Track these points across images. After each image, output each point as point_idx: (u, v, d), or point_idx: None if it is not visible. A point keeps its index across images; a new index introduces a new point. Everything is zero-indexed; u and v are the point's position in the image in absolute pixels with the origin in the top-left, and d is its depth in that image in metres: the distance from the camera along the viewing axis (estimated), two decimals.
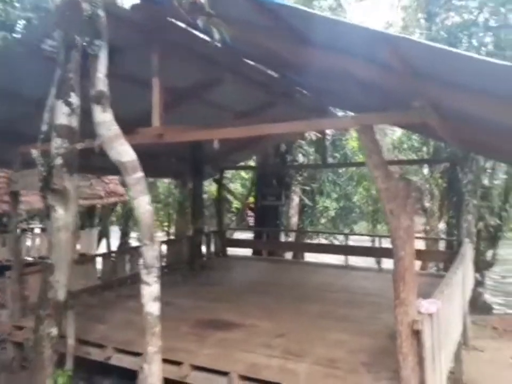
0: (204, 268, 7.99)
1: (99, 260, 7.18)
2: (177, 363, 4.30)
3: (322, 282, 7.38)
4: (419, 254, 8.60)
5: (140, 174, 2.87)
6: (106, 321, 5.41)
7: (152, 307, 2.80)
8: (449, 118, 3.94)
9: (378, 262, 8.21)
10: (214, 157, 8.47)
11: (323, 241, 13.77)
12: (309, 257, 12.89)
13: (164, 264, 8.05)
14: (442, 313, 3.99)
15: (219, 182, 9.11)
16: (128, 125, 5.02)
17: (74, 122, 3.25)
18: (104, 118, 2.80)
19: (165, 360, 4.27)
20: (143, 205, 2.80)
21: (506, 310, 12.72)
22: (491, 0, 10.86)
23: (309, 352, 4.35)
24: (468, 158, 7.95)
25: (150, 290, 2.77)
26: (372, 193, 15.61)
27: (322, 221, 14.91)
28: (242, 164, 12.10)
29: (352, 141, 15.78)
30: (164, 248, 8.06)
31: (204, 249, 8.73)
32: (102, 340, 4.86)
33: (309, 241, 13.39)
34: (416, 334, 3.35)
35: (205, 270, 7.95)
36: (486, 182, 12.39)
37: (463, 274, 5.72)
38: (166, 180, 16.24)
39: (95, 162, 4.63)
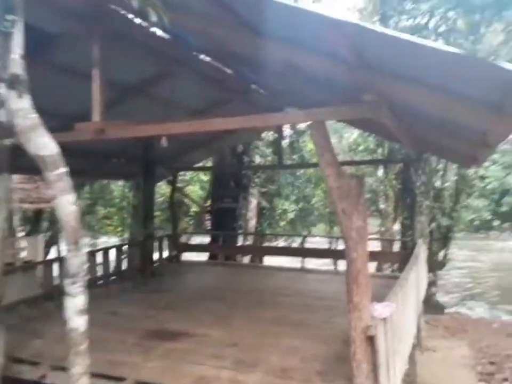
0: (155, 275, 7.60)
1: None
2: (120, 379, 3.94)
3: (277, 286, 7.18)
4: (373, 255, 8.62)
5: (62, 169, 2.53)
6: (43, 335, 4.94)
7: (77, 322, 2.46)
8: (401, 113, 3.84)
9: (335, 264, 8.11)
10: (167, 157, 8.12)
11: (282, 244, 13.67)
12: (268, 260, 12.74)
13: (112, 271, 7.63)
14: (397, 316, 3.87)
15: (173, 184, 8.74)
16: (69, 120, 4.65)
17: None
18: (20, 105, 2.44)
19: (106, 376, 3.93)
20: (66, 205, 2.47)
21: (458, 308, 13.09)
22: (441, 4, 11.16)
23: (262, 361, 4.11)
24: (421, 159, 8.01)
25: (75, 302, 2.43)
26: (329, 195, 15.68)
27: (282, 223, 14.82)
28: (199, 165, 11.78)
29: (310, 143, 15.81)
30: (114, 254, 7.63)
31: (156, 254, 8.33)
32: (37, 357, 4.42)
33: (268, 244, 13.24)
34: (370, 340, 3.19)
35: (156, 277, 7.55)
36: (438, 183, 12.71)
37: (417, 275, 5.68)
38: (120, 183, 15.62)
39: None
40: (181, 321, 5.29)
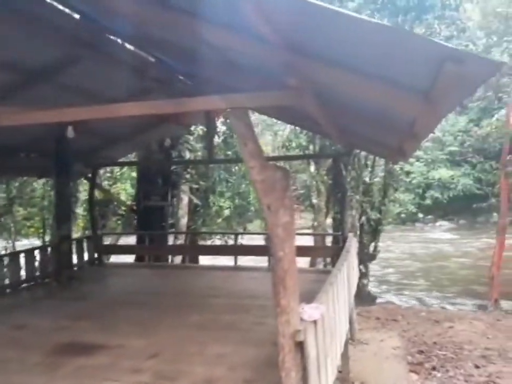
0: (73, 280, 6.90)
1: None
2: None
3: (208, 287, 6.80)
4: (306, 250, 8.57)
5: None
6: None
7: None
8: (327, 101, 3.61)
9: (269, 261, 7.86)
10: (85, 152, 7.43)
11: (218, 242, 13.27)
12: (204, 260, 12.37)
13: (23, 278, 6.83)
14: (328, 315, 3.66)
15: (92, 181, 8.02)
16: None
17: None
18: None
19: None
20: None
21: (389, 298, 13.51)
22: (368, 4, 11.35)
23: (184, 373, 3.73)
24: (350, 154, 8.00)
25: None
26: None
27: (218, 221, 14.43)
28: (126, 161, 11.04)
29: None
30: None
31: (75, 258, 7.61)
32: None
33: (203, 243, 12.80)
34: (300, 346, 2.92)
35: (73, 282, 6.86)
36: (367, 178, 12.99)
37: (348, 269, 5.57)
38: (43, 180, 14.36)
39: None
40: (97, 331, 4.75)
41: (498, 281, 11.32)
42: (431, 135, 29.47)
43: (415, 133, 3.61)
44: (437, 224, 29.78)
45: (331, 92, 3.26)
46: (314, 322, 3.11)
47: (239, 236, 11.74)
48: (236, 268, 8.14)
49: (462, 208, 29.25)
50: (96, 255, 8.01)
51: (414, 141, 4.13)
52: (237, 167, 14.15)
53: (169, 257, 10.09)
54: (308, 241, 13.11)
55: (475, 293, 12.89)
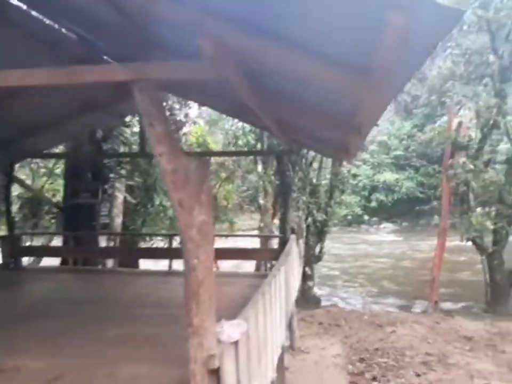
0: None
1: None
2: None
3: (137, 294, 6.12)
4: (246, 254, 8.08)
5: None
6: None
7: None
8: (261, 87, 3.12)
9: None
10: (1, 143, 6.51)
11: (161, 244, 12.47)
12: (149, 264, 11.61)
13: None
14: (256, 332, 3.16)
15: (9, 175, 7.07)
16: None
17: None
18: None
19: None
20: None
21: (333, 300, 13.32)
22: None
23: None
24: (293, 152, 7.59)
25: None
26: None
27: (166, 221, 13.62)
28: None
29: (191, 136, 14.86)
30: None
31: None
32: None
33: (146, 245, 11.99)
34: (215, 374, 2.39)
35: None
36: (314, 180, 12.75)
37: (287, 274, 5.14)
38: None
39: None
40: None
41: (438, 284, 11.42)
42: (377, 138, 30.11)
43: (358, 124, 3.20)
44: (382, 226, 30.43)
45: (261, 71, 2.76)
46: (235, 343, 2.60)
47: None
48: (173, 273, 7.47)
49: (405, 210, 30.10)
50: (12, 258, 7.07)
51: (358, 136, 3.73)
52: None
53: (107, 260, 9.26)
54: (256, 243, 12.70)
55: (416, 294, 12.98)
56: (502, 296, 10.54)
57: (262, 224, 12.13)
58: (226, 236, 10.09)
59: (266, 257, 8.01)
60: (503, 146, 12.28)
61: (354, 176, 29.73)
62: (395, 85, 2.21)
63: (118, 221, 9.89)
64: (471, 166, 10.59)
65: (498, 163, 12.10)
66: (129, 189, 11.69)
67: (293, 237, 6.68)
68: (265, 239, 11.78)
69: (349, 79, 2.31)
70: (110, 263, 9.23)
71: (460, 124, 12.09)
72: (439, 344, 7.24)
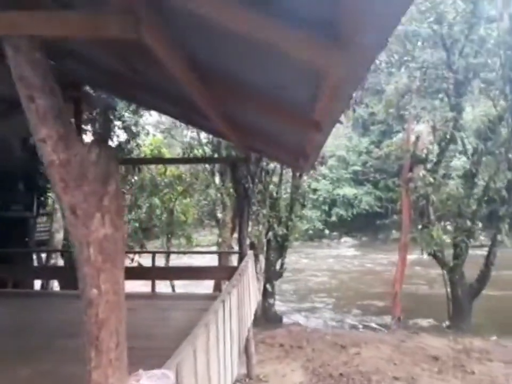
0: None
1: None
2: None
3: (70, 321, 5.16)
4: (198, 273, 7.26)
5: None
6: None
7: None
8: (191, 48, 2.44)
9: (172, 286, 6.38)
10: None
11: None
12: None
13: None
14: (195, 375, 2.43)
15: None
16: None
17: None
18: None
19: None
20: None
21: (296, 318, 12.67)
22: None
23: None
24: (251, 160, 6.96)
25: None
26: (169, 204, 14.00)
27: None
28: None
29: (146, 147, 13.92)
30: None
31: None
32: None
33: None
34: None
35: None
36: (274, 193, 12.19)
37: (241, 294, 4.43)
38: None
39: None
40: None
41: (400, 299, 11.03)
42: (336, 153, 30.15)
43: (319, 114, 2.58)
44: (342, 240, 30.29)
45: (198, 33, 2.09)
46: None
47: (137, 255, 10.17)
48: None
49: (364, 225, 30.13)
50: None
51: (318, 133, 3.12)
52: (134, 178, 12.50)
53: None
54: (216, 260, 11.88)
55: (379, 310, 12.56)
56: (464, 310, 10.24)
57: (220, 240, 11.36)
58: (177, 253, 9.23)
59: (220, 276, 7.16)
60: (458, 162, 12.25)
61: (315, 190, 29.54)
62: (367, 50, 1.61)
63: (59, 236, 8.82)
64: (431, 179, 10.36)
65: (456, 177, 12.00)
66: None
67: (250, 252, 5.98)
68: (225, 255, 11.02)
69: (313, 44, 1.68)
70: (55, 283, 8.14)
71: (417, 138, 11.96)
72: (407, 366, 6.71)
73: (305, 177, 14.48)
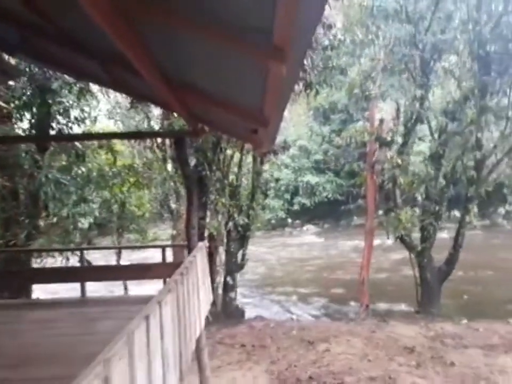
0: None
1: None
2: None
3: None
4: (142, 271, 6.15)
5: None
6: None
7: None
8: None
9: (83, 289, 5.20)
10: None
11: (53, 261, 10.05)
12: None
13: None
14: None
15: None
16: None
17: None
18: None
19: None
20: None
21: (259, 311, 11.81)
22: None
23: None
24: (197, 134, 5.87)
25: None
26: (120, 197, 12.67)
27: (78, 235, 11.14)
28: None
29: (103, 153, 12.32)
30: None
31: None
32: None
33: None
34: None
35: None
36: (234, 181, 11.20)
37: (186, 295, 3.40)
38: None
39: None
40: None
41: (368, 286, 10.37)
42: (298, 142, 29.40)
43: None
44: (304, 228, 29.75)
45: None
46: None
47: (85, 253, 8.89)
48: (41, 305, 5.36)
49: (326, 212, 29.72)
50: None
51: (278, 82, 2.12)
52: (81, 171, 11.04)
53: None
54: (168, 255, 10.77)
55: (346, 297, 11.89)
56: (433, 294, 9.69)
57: (174, 232, 10.24)
58: (110, 248, 8.11)
59: (166, 274, 5.86)
60: (424, 144, 11.71)
61: (277, 180, 28.79)
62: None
63: None
64: (399, 161, 9.68)
65: (423, 159, 11.41)
66: (13, 195, 9.25)
67: (201, 245, 4.93)
68: (180, 248, 9.92)
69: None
70: None
71: (381, 121, 11.30)
72: (382, 362, 5.94)
73: (267, 166, 13.62)
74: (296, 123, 28.75)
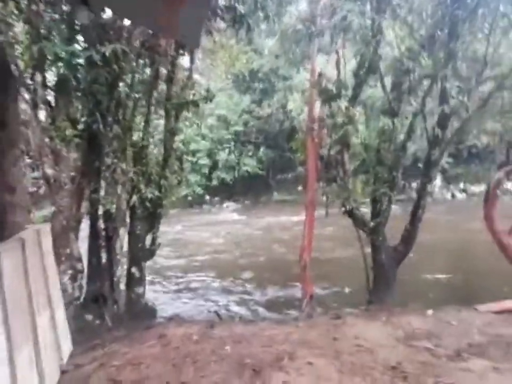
0: None
1: None
2: None
3: None
4: None
5: None
6: None
7: None
8: None
9: None
10: None
11: None
12: None
13: None
14: None
15: None
16: None
17: None
18: None
19: None
20: None
21: (174, 307, 9.20)
22: None
23: None
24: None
25: None
26: None
27: None
28: None
29: None
30: None
31: None
32: None
33: None
34: None
35: None
36: (139, 139, 8.25)
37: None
38: None
39: None
40: None
41: (311, 270, 8.26)
42: (216, 112, 26.63)
43: None
44: (224, 205, 27.40)
45: None
46: None
47: None
48: None
49: (246, 189, 27.64)
50: None
51: None
52: None
53: None
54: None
55: (281, 287, 9.74)
56: (388, 279, 7.88)
57: (54, 209, 7.04)
58: None
59: None
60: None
61: (194, 153, 25.82)
62: None
63: None
64: (351, 114, 7.53)
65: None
66: None
67: (45, 229, 2.13)
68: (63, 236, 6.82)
69: None
70: None
71: (320, 74, 9.04)
72: None
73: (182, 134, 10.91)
74: (215, 90, 25.89)
